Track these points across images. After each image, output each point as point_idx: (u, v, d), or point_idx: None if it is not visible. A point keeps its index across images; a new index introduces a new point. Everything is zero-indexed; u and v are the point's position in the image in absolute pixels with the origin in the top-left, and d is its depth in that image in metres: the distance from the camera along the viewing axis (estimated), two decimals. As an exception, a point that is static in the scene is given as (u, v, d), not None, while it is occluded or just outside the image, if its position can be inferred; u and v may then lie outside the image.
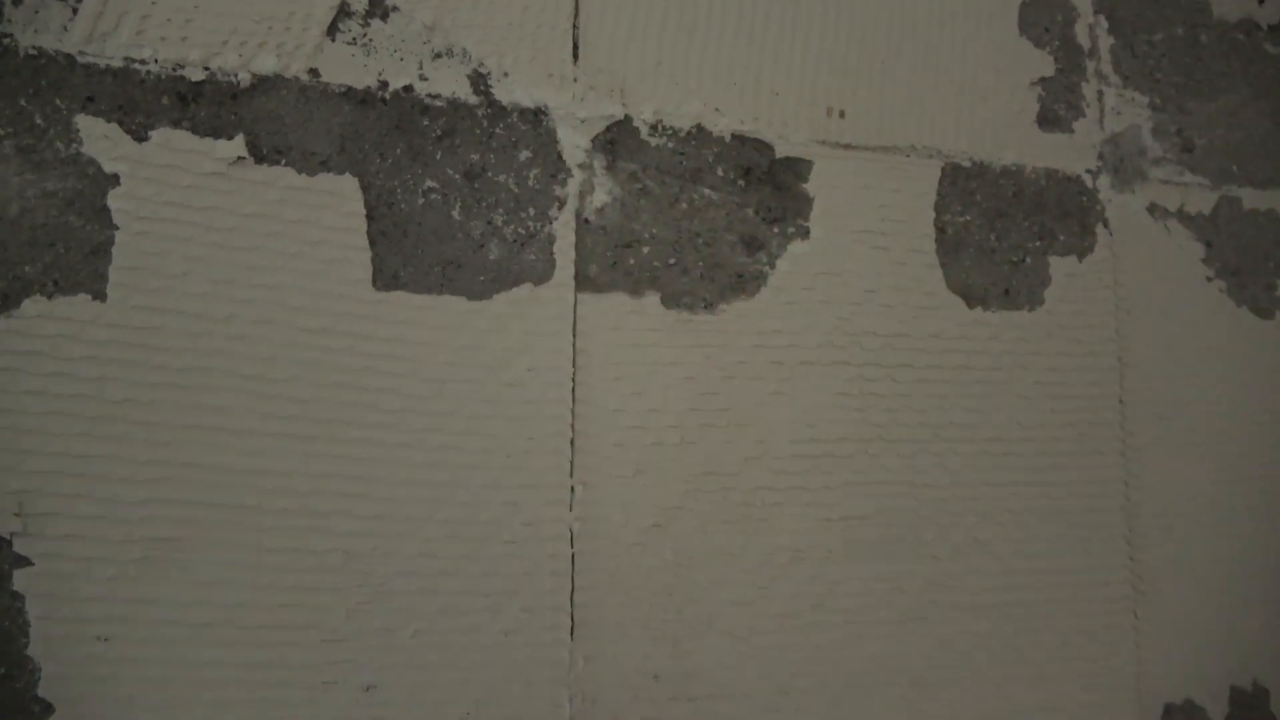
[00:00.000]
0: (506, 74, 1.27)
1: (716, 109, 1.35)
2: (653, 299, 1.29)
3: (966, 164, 1.46)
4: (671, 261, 1.31)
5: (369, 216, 1.20)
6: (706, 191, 1.34)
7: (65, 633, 1.06)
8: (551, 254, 1.26)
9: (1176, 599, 1.47)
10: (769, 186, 1.36)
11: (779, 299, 1.35)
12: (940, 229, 1.43)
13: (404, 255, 1.21)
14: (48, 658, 1.05)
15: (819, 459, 1.33)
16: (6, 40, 1.10)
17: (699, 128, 1.35)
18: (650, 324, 1.29)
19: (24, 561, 1.06)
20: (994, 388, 1.42)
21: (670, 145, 1.33)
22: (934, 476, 1.38)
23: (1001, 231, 1.46)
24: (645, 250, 1.30)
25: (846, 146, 1.40)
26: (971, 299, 1.43)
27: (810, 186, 1.38)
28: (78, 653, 1.06)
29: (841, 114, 1.40)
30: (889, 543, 1.35)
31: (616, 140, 1.31)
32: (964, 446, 1.40)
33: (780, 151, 1.37)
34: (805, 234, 1.37)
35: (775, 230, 1.36)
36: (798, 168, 1.38)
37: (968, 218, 1.45)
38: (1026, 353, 1.44)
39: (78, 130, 1.11)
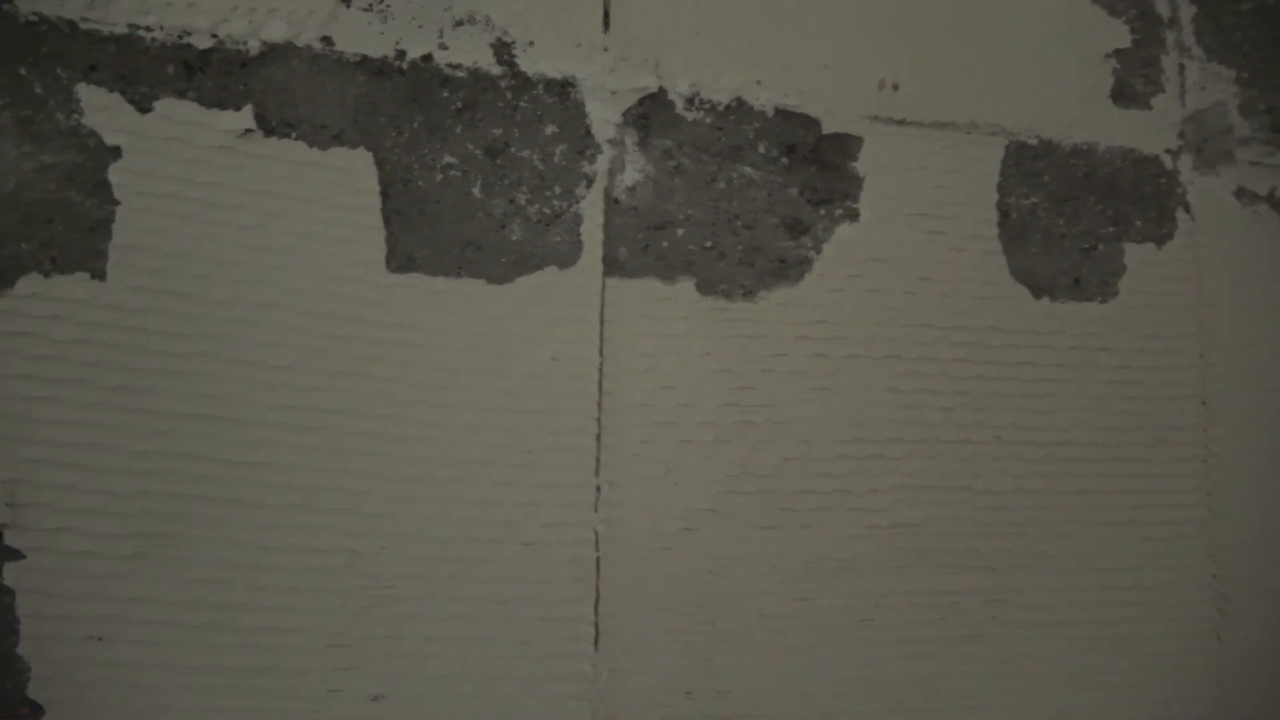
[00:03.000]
0: (532, 43, 1.19)
1: (758, 81, 1.25)
2: (686, 285, 1.20)
3: (1033, 142, 1.34)
4: (708, 245, 1.21)
5: (383, 194, 1.12)
6: (746, 170, 1.23)
7: (55, 631, 1.00)
8: (578, 235, 1.17)
9: (1265, 622, 1.33)
10: (814, 165, 1.26)
11: (824, 287, 1.24)
12: (1003, 212, 1.31)
13: (420, 235, 1.13)
14: (37, 657, 0.99)
15: (866, 461, 1.22)
16: (6, 6, 1.05)
17: (739, 101, 1.24)
18: (683, 312, 1.19)
19: (14, 554, 1.00)
20: (1061, 386, 1.30)
21: (708, 120, 1.23)
22: (993, 482, 1.26)
23: (1071, 216, 1.34)
24: (679, 233, 1.21)
25: (900, 122, 1.29)
26: (1037, 289, 1.31)
27: (860, 165, 1.27)
28: (68, 653, 1.00)
29: (895, 87, 1.29)
30: (943, 554, 1.23)
31: (650, 114, 1.22)
32: (1027, 450, 1.27)
33: (827, 127, 1.26)
34: (854, 216, 1.26)
35: (821, 212, 1.25)
36: (846, 145, 1.27)
37: (1034, 200, 1.33)
38: (1098, 348, 1.32)
39: (79, 100, 1.06)
